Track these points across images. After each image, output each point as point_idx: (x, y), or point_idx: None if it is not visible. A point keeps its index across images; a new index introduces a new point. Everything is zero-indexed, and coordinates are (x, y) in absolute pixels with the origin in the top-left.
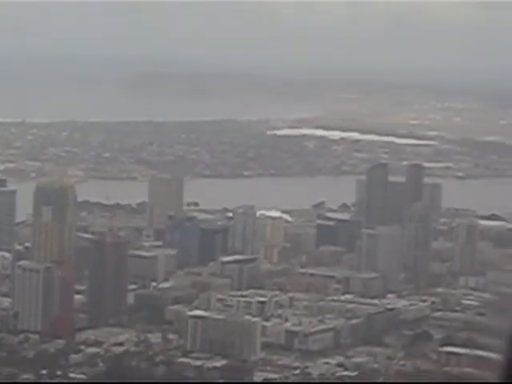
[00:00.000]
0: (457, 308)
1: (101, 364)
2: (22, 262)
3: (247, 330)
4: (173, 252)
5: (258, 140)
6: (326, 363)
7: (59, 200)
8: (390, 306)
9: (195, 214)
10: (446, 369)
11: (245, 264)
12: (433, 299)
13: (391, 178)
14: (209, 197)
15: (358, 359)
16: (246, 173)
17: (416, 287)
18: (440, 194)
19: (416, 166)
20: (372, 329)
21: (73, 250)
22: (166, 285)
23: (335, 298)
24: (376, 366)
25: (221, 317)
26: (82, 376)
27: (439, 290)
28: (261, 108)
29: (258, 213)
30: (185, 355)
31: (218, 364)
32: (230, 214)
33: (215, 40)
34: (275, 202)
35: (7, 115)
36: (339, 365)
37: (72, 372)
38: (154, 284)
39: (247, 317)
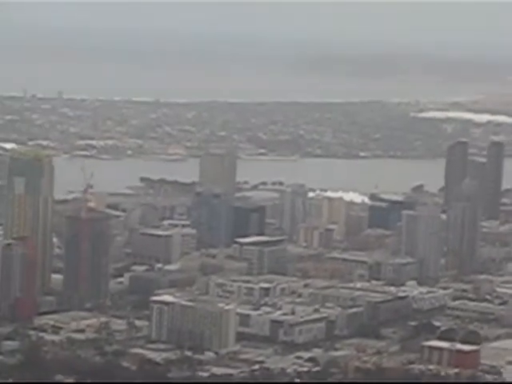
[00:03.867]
0: (487, 297)
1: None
2: None
3: (219, 319)
4: (193, 231)
5: (395, 122)
6: (298, 357)
7: (33, 171)
8: (402, 294)
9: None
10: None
11: (267, 247)
12: (465, 287)
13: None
14: (299, 177)
15: (337, 353)
16: (362, 153)
17: (459, 273)
18: None
19: (497, 145)
20: (373, 319)
21: (49, 226)
22: (171, 267)
23: (351, 285)
24: (351, 361)
25: (189, 303)
26: None
27: (482, 276)
28: (418, 90)
29: (315, 193)
30: (144, 345)
31: (169, 356)
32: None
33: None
34: (370, 183)
35: (145, 94)
36: (310, 359)
37: None
38: (158, 265)
39: (220, 304)
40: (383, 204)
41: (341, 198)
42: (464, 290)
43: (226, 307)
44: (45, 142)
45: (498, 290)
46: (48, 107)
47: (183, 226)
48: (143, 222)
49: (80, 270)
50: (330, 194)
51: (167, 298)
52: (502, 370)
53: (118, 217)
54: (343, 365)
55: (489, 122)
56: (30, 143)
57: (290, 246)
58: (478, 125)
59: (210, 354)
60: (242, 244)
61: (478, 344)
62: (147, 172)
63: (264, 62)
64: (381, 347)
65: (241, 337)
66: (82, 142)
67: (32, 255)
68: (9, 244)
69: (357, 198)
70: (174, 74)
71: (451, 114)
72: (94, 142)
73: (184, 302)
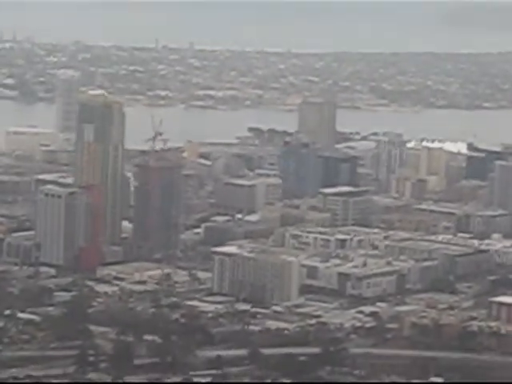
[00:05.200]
0: None
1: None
2: (46, 187)
3: (280, 271)
4: (278, 181)
5: None
6: (360, 312)
7: (103, 118)
8: (484, 248)
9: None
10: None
11: (351, 197)
12: None
13: None
14: (414, 127)
15: (403, 308)
16: (486, 104)
17: None
18: None
19: None
20: (449, 273)
21: (119, 174)
22: (251, 217)
23: (432, 237)
24: (407, 317)
25: (251, 255)
26: (32, 316)
27: None
28: None
29: (413, 143)
30: (201, 298)
31: (222, 310)
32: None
33: None
34: (484, 133)
35: (276, 45)
36: (372, 314)
37: (30, 313)
38: (239, 216)
39: (283, 256)
40: (481, 154)
41: (441, 148)
42: None
43: (289, 259)
44: (163, 92)
45: None
46: (176, 58)
47: (273, 175)
48: (228, 171)
49: (149, 220)
50: (436, 144)
51: (230, 249)
52: None
53: (208, 166)
54: (414, 320)
55: None
56: (149, 93)
57: (379, 196)
58: None
59: (273, 308)
60: (326, 194)
61: None
62: (261, 122)
63: (405, 15)
64: (453, 302)
65: (307, 289)
66: (200, 93)
67: (98, 204)
68: (72, 193)
69: (464, 148)
70: (307, 26)
71: None
72: (212, 93)
73: (246, 254)
